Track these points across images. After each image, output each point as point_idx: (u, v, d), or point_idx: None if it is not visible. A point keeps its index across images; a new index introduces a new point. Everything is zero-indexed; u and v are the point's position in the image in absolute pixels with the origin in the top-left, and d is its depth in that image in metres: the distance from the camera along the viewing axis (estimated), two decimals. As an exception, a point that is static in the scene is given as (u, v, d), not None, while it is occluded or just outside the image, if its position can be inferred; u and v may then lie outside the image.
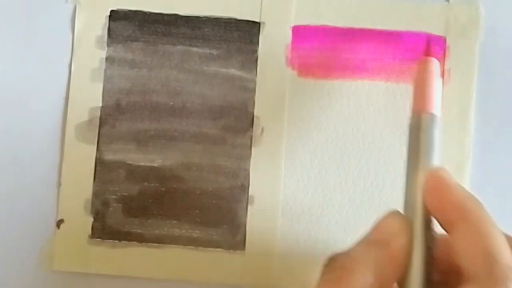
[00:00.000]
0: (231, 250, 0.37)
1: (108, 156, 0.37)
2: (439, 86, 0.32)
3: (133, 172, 0.37)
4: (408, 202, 0.29)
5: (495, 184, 0.37)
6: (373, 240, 0.28)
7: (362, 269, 0.26)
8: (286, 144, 0.37)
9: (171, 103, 0.37)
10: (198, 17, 0.38)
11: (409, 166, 0.29)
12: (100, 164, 0.37)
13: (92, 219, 0.37)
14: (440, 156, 0.29)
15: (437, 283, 0.27)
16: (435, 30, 0.37)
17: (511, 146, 0.37)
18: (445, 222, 0.27)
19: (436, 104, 0.31)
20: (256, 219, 0.37)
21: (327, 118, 0.37)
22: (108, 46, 0.38)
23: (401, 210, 0.29)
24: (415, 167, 0.29)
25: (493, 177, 0.37)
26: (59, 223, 0.37)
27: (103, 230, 0.37)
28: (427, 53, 0.35)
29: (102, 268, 0.37)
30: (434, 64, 0.32)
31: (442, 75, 0.37)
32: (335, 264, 0.26)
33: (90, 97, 0.37)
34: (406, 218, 0.28)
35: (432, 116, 0.30)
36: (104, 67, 0.38)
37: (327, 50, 0.37)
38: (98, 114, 0.37)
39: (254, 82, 0.37)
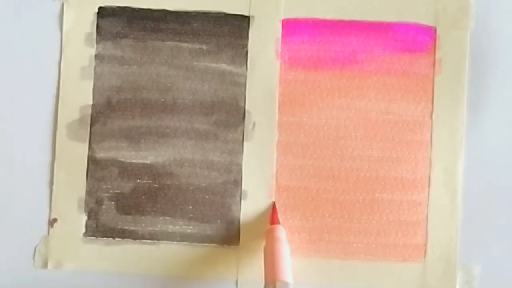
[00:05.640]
0: (225, 245, 0.37)
1: (100, 154, 0.37)
2: (287, 252, 0.34)
3: (126, 170, 0.37)
4: None
5: (488, 173, 0.37)
6: None
7: None
8: (278, 138, 0.37)
9: (162, 100, 0.37)
10: (187, 12, 0.38)
11: None
12: (92, 162, 0.37)
13: (85, 217, 0.37)
14: None
15: None
16: (425, 20, 0.37)
17: (503, 135, 0.37)
18: None
19: (287, 271, 0.34)
20: (249, 213, 0.37)
21: (319, 110, 0.37)
22: (97, 43, 0.38)
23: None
24: None
25: (486, 166, 0.37)
26: (52, 222, 0.37)
27: (97, 228, 0.37)
28: (273, 220, 0.36)
29: (96, 265, 0.37)
30: (280, 231, 0.35)
31: (433, 66, 0.37)
32: None
33: (81, 95, 0.37)
34: None
35: (285, 283, 0.33)
36: (93, 64, 0.37)
37: (317, 42, 0.37)
38: (89, 112, 0.37)
39: (245, 76, 0.37)
